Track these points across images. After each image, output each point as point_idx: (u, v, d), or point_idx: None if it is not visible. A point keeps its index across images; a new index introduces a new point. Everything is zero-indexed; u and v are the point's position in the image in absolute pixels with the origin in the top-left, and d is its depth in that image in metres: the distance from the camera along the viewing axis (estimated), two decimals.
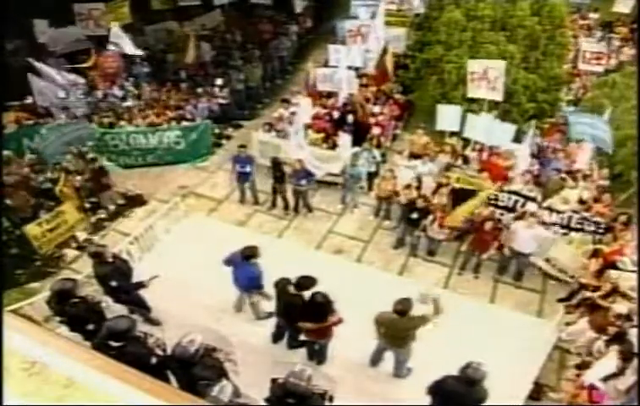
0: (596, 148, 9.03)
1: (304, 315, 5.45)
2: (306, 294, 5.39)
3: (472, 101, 9.93)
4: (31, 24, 11.70)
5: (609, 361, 5.46)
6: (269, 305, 6.24)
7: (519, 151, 9.03)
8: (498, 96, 9.49)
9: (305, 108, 10.55)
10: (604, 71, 11.82)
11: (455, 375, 4.46)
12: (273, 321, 6.13)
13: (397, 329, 5.41)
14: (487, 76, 9.44)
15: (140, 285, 5.86)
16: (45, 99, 10.87)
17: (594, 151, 9.11)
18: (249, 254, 5.93)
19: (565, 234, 7.67)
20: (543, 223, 7.65)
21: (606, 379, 5.30)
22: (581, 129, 8.85)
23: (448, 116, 9.64)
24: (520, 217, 7.58)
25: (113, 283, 5.77)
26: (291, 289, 5.44)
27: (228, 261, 6.06)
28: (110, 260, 5.87)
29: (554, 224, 7.73)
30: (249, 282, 6.12)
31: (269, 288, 5.96)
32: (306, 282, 5.39)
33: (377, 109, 11.07)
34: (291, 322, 5.75)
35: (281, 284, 5.62)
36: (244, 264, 5.98)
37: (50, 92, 10.94)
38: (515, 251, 7.57)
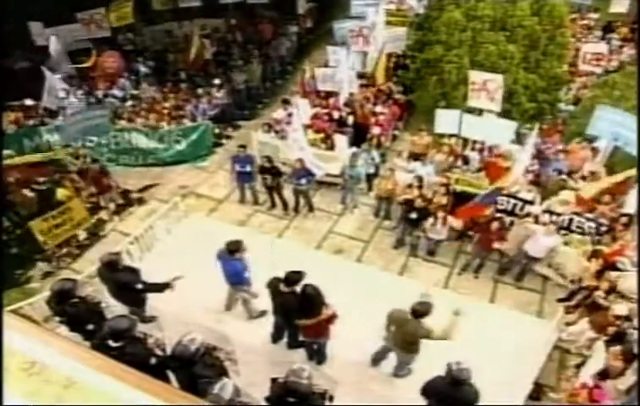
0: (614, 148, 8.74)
1: (299, 312, 5.43)
2: (298, 290, 5.36)
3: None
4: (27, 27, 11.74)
5: (596, 357, 5.48)
6: (263, 304, 6.23)
7: (519, 153, 9.02)
8: (496, 107, 9.56)
9: (303, 109, 10.55)
10: (605, 71, 11.80)
11: (441, 375, 4.46)
12: (272, 321, 6.12)
13: (406, 331, 5.27)
14: (486, 87, 9.51)
15: (167, 286, 5.82)
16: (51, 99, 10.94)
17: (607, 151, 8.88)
18: (233, 248, 5.94)
19: (564, 236, 7.67)
20: (543, 225, 7.64)
21: (606, 378, 5.30)
22: (601, 127, 8.49)
23: (446, 120, 9.61)
24: (522, 218, 7.57)
25: (139, 286, 5.77)
26: (283, 288, 5.41)
27: (218, 256, 6.09)
28: (122, 267, 5.88)
29: (554, 224, 7.72)
30: (233, 277, 6.13)
31: (262, 285, 5.89)
32: (295, 276, 5.36)
33: (377, 109, 11.07)
34: (289, 321, 5.74)
35: (273, 284, 5.58)
36: (229, 258, 6.00)
37: (53, 92, 11.00)
38: (525, 254, 7.53)
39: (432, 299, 5.49)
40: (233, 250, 5.95)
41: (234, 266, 6.03)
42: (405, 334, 5.31)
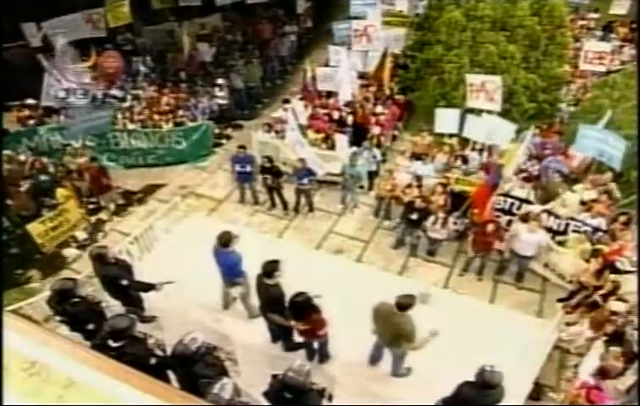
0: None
1: (284, 308, 5.38)
2: (280, 280, 5.33)
3: None
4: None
5: (593, 354, 5.47)
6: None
7: (515, 150, 9.00)
8: (496, 108, 9.54)
9: (298, 110, 10.53)
10: (606, 71, 11.76)
11: (470, 381, 4.37)
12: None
13: (391, 323, 5.28)
14: (485, 89, 9.51)
15: (152, 287, 5.80)
16: (49, 98, 10.90)
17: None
18: (225, 240, 5.89)
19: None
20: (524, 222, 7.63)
21: (605, 378, 5.30)
22: (586, 144, 8.54)
23: (446, 119, 9.60)
24: (524, 219, 7.56)
25: (124, 282, 5.74)
26: (267, 281, 5.36)
27: (214, 252, 6.04)
28: (113, 260, 5.87)
29: (551, 230, 7.72)
30: (229, 270, 6.07)
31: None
32: (270, 265, 5.32)
33: (377, 109, 11.06)
34: (279, 315, 5.67)
35: (259, 280, 5.53)
36: (222, 251, 5.96)
37: (53, 91, 10.97)
38: (515, 253, 7.55)
39: (431, 299, 5.50)
40: (225, 242, 5.90)
41: (229, 259, 5.97)
42: (391, 326, 5.30)
